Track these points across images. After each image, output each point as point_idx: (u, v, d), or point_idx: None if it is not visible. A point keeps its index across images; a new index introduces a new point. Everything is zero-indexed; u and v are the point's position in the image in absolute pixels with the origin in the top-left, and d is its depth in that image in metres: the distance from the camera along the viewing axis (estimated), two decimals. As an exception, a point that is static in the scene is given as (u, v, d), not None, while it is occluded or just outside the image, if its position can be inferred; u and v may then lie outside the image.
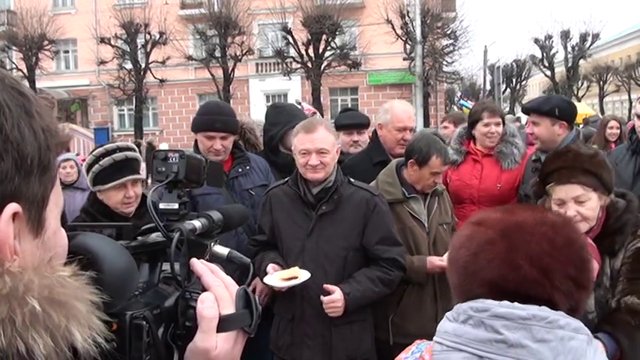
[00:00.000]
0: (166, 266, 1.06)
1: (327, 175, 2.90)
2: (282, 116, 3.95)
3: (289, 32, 25.30)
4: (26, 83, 21.53)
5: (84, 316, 0.65)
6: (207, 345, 0.85)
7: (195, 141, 3.47)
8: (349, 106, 27.94)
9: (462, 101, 25.53)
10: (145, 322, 0.89)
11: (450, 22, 26.85)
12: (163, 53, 26.99)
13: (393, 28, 25.30)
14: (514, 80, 38.11)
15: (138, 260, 0.97)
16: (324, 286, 2.80)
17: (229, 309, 0.88)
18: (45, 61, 27.92)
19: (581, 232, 1.39)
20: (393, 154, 3.79)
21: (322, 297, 2.79)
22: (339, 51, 25.78)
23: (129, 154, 2.85)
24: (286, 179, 3.06)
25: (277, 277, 2.79)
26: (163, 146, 19.07)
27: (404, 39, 25.93)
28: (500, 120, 4.00)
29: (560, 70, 32.78)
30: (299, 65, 25.63)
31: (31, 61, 27.16)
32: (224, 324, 0.86)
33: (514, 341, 1.15)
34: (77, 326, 0.64)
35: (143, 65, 27.39)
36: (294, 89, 28.95)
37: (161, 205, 1.17)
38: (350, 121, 4.47)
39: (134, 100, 28.04)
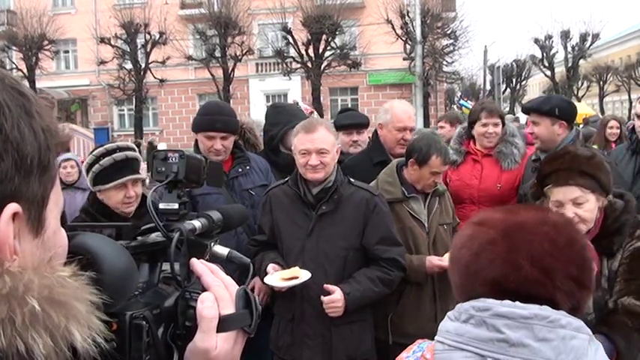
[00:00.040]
0: (166, 266, 1.06)
1: (327, 175, 2.90)
2: (282, 116, 3.95)
3: (289, 32, 25.30)
4: (26, 83, 21.52)
5: (83, 316, 0.65)
6: (207, 345, 0.85)
7: (196, 141, 3.47)
8: (349, 106, 27.95)
9: (461, 101, 25.51)
10: (144, 322, 0.89)
11: (450, 22, 26.85)
12: (163, 53, 27.00)
13: (393, 28, 25.30)
14: (514, 80, 38.12)
15: (138, 260, 0.97)
16: (324, 286, 2.80)
17: (229, 309, 0.88)
18: (45, 61, 27.92)
19: (582, 232, 1.40)
20: (393, 154, 3.79)
21: (322, 297, 2.79)
22: (339, 51, 25.78)
23: (129, 153, 2.85)
24: (286, 179, 3.06)
25: (278, 277, 2.79)
26: (161, 146, 19.06)
27: (404, 39, 25.93)
28: (498, 120, 3.99)
29: (560, 70, 32.79)
30: (299, 65, 25.64)
31: (31, 61, 27.16)
32: (224, 324, 0.86)
33: (516, 340, 1.15)
34: (77, 326, 0.64)
35: (143, 65, 27.40)
36: (294, 89, 28.95)
37: (161, 205, 1.16)
38: (349, 121, 4.47)
39: (134, 100, 28.05)
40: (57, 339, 0.62)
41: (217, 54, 26.58)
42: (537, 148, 3.70)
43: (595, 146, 5.95)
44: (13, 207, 0.62)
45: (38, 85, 26.86)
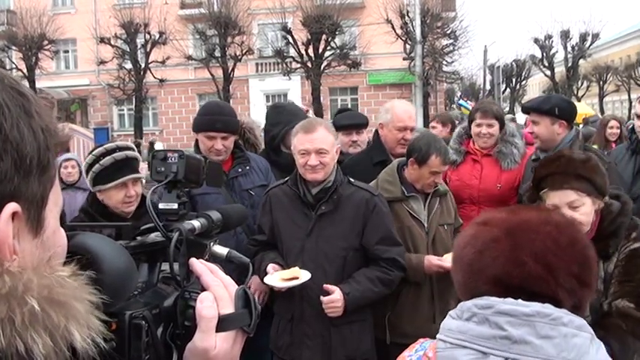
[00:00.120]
0: (165, 266, 1.06)
1: (327, 176, 2.90)
2: (283, 116, 3.95)
3: (289, 32, 25.29)
4: (26, 83, 21.53)
5: (83, 316, 0.65)
6: (207, 345, 0.85)
7: (196, 141, 3.47)
8: (349, 105, 27.95)
9: (460, 101, 25.51)
10: (144, 322, 0.89)
11: (449, 21, 26.84)
12: (163, 53, 26.99)
13: (393, 27, 25.30)
14: (514, 80, 38.10)
15: (137, 260, 0.97)
16: (324, 286, 2.80)
17: (228, 309, 0.88)
18: (45, 60, 27.91)
19: (584, 232, 1.40)
20: (393, 153, 3.79)
21: (322, 297, 2.79)
22: (338, 51, 25.77)
23: (129, 153, 2.85)
24: (286, 179, 3.06)
25: (278, 278, 2.79)
26: (158, 146, 19.05)
27: (404, 39, 25.93)
28: (492, 122, 3.97)
29: (560, 69, 32.79)
30: (299, 65, 25.63)
31: (31, 61, 27.15)
32: (223, 324, 0.87)
33: (518, 337, 1.16)
34: (76, 326, 0.64)
35: (143, 65, 27.39)
36: (294, 89, 28.95)
37: (160, 205, 1.17)
38: (349, 122, 4.47)
39: (134, 100, 28.04)
40: (56, 339, 0.62)
41: (217, 54, 26.58)
42: (537, 147, 3.70)
43: (595, 146, 5.94)
44: (12, 207, 0.62)
45: (38, 85, 26.86)
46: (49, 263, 0.67)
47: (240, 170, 3.42)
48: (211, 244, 1.11)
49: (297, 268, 2.81)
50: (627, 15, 51.71)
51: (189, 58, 27.48)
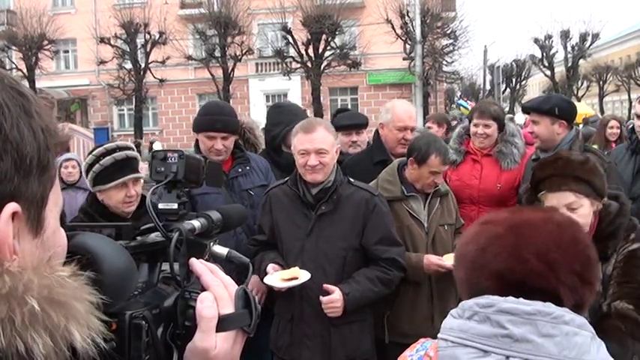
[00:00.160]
0: (166, 266, 1.06)
1: (327, 176, 2.90)
2: (284, 116, 3.94)
3: (289, 32, 25.30)
4: (26, 83, 21.53)
5: (83, 316, 0.65)
6: (207, 345, 0.85)
7: (196, 141, 3.47)
8: (349, 105, 27.96)
9: (460, 101, 25.52)
10: (144, 322, 0.89)
11: (449, 21, 26.85)
12: (163, 53, 27.00)
13: (393, 27, 25.30)
14: (514, 80, 38.13)
15: (137, 260, 0.97)
16: (324, 286, 2.80)
17: (228, 309, 0.88)
18: (45, 60, 27.92)
19: (585, 232, 1.41)
20: (394, 153, 3.79)
21: (321, 297, 2.79)
22: (338, 51, 25.78)
23: (129, 153, 2.85)
24: (286, 179, 3.06)
25: (278, 278, 2.79)
26: (156, 146, 19.05)
27: (404, 39, 25.93)
28: (489, 122, 3.97)
29: (559, 69, 32.80)
30: (299, 65, 25.63)
31: (31, 61, 27.16)
32: (223, 324, 0.87)
33: (519, 336, 1.16)
34: (76, 326, 0.64)
35: (143, 65, 27.41)
36: (294, 89, 28.95)
37: (160, 205, 1.17)
38: (349, 122, 4.47)
39: (134, 100, 28.06)
40: (56, 339, 0.62)
41: (217, 54, 26.58)
42: (537, 147, 3.70)
43: (595, 146, 5.94)
44: (12, 207, 0.62)
45: (38, 84, 26.87)
46: (49, 263, 0.67)
47: (240, 170, 3.42)
48: (211, 244, 1.11)
49: (296, 268, 2.81)
50: (627, 15, 51.77)
51: (189, 58, 27.49)
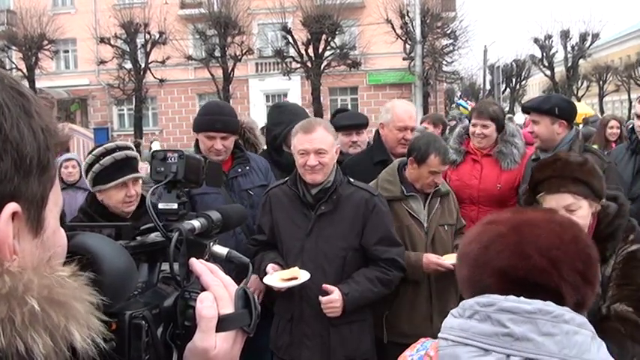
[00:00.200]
0: (165, 266, 1.06)
1: (326, 177, 2.90)
2: (285, 115, 3.94)
3: (289, 32, 25.29)
4: (26, 83, 21.51)
5: (83, 316, 0.65)
6: (207, 344, 0.85)
7: (196, 141, 3.48)
8: (349, 105, 27.96)
9: (459, 101, 25.50)
10: (144, 322, 0.89)
11: (449, 21, 26.84)
12: (163, 53, 26.99)
13: (393, 27, 25.29)
14: (514, 80, 38.12)
15: (137, 260, 0.97)
16: (323, 286, 2.80)
17: (228, 309, 0.88)
18: (44, 60, 27.90)
19: (586, 232, 1.42)
20: (394, 153, 3.79)
21: (320, 297, 2.79)
22: (338, 51, 25.77)
23: (129, 152, 2.86)
24: (286, 179, 3.06)
25: (277, 278, 2.79)
26: (155, 146, 19.05)
27: (404, 39, 25.92)
28: (487, 122, 3.97)
29: (559, 69, 32.79)
30: (299, 65, 25.62)
31: (31, 61, 27.14)
32: (223, 324, 0.87)
33: (520, 335, 1.17)
34: (76, 326, 0.64)
35: (143, 65, 27.38)
36: (294, 89, 28.94)
37: (160, 205, 1.17)
38: (349, 122, 4.47)
39: (134, 99, 28.04)
40: (56, 339, 0.62)
41: (217, 54, 26.57)
42: (537, 147, 3.70)
43: (595, 146, 5.95)
44: (12, 207, 0.62)
45: (38, 84, 26.86)
46: (49, 263, 0.67)
47: (239, 170, 3.42)
48: (211, 244, 1.11)
49: (296, 268, 2.81)
50: (627, 15, 51.77)
51: (189, 58, 27.48)
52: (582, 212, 2.22)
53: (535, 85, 47.59)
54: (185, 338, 0.89)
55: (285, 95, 28.39)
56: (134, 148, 2.99)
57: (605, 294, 2.28)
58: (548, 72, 31.62)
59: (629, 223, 2.37)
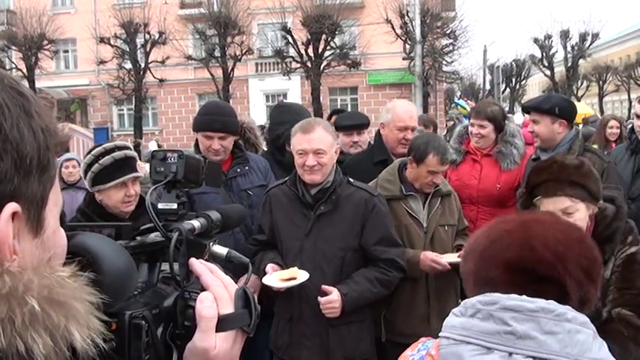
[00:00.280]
0: (165, 266, 1.06)
1: (325, 177, 2.89)
2: (287, 115, 3.94)
3: (289, 32, 25.28)
4: (26, 83, 21.50)
5: (83, 316, 0.65)
6: (206, 344, 0.85)
7: (196, 140, 3.48)
8: (349, 105, 27.97)
9: (458, 101, 25.46)
10: (144, 322, 0.89)
11: (449, 21, 26.83)
12: (163, 53, 26.97)
13: (393, 27, 25.28)
14: (514, 80, 38.13)
15: (137, 260, 0.97)
16: (322, 286, 2.80)
17: (228, 308, 0.88)
18: (44, 60, 27.89)
19: (589, 236, 1.45)
20: (394, 153, 3.80)
21: (319, 298, 2.79)
22: (338, 51, 25.75)
23: (128, 152, 2.86)
24: (285, 179, 3.06)
25: (276, 278, 2.79)
26: (152, 145, 19.05)
27: (403, 39, 25.92)
28: (484, 123, 3.97)
29: (559, 69, 32.79)
30: (298, 65, 25.61)
31: (31, 61, 27.12)
32: (223, 323, 0.87)
33: (522, 333, 1.17)
34: (76, 326, 0.64)
35: (143, 65, 27.36)
36: (294, 89, 28.93)
37: (160, 205, 1.17)
38: (350, 122, 4.48)
39: (134, 99, 28.02)
40: (57, 339, 0.62)
41: (217, 54, 26.55)
42: (537, 147, 3.70)
43: (595, 146, 5.95)
44: (12, 207, 0.62)
45: (38, 84, 26.84)
46: (49, 263, 0.67)
47: (239, 170, 3.42)
48: (211, 244, 1.11)
49: (295, 268, 2.81)
50: (627, 15, 51.78)
51: (189, 58, 27.46)
52: (580, 215, 2.22)
53: (535, 85, 47.60)
54: (185, 338, 0.89)
55: (285, 95, 28.39)
56: (132, 148, 3.00)
57: (605, 297, 2.27)
58: (548, 72, 31.62)
59: (627, 224, 2.36)
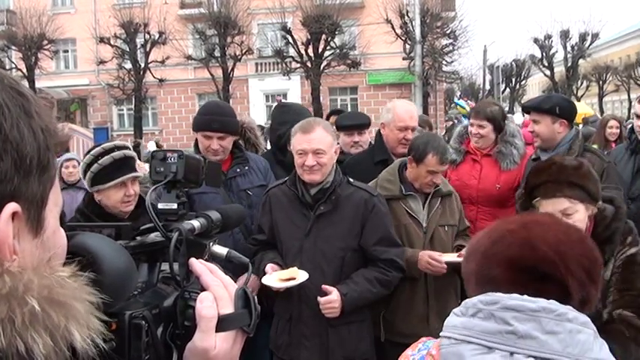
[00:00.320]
0: (165, 266, 1.06)
1: (325, 177, 2.89)
2: (289, 115, 3.94)
3: (289, 32, 25.27)
4: (25, 83, 21.50)
5: (83, 316, 0.65)
6: (206, 344, 0.85)
7: (196, 140, 3.48)
8: (349, 105, 27.97)
9: (458, 100, 25.46)
10: (144, 322, 0.89)
11: (449, 21, 26.83)
12: (163, 53, 26.97)
13: (393, 27, 25.28)
14: (513, 80, 38.12)
15: (137, 260, 0.97)
16: (322, 286, 2.80)
17: (228, 308, 0.88)
18: (44, 60, 27.88)
19: (590, 238, 1.46)
20: (395, 153, 3.80)
21: (319, 298, 2.78)
22: (338, 51, 25.75)
23: (127, 152, 2.86)
24: (285, 179, 3.06)
25: (276, 278, 2.78)
26: (150, 146, 19.05)
27: (403, 38, 25.92)
28: (483, 123, 3.97)
29: (559, 69, 32.79)
30: (298, 65, 25.60)
31: (31, 61, 27.12)
32: (223, 323, 0.87)
33: (524, 332, 1.17)
34: (76, 326, 0.64)
35: (142, 65, 27.35)
36: (294, 89, 28.93)
37: (160, 205, 1.17)
38: (351, 122, 4.48)
39: (133, 99, 28.01)
40: (57, 339, 0.62)
41: (217, 54, 26.55)
42: (538, 146, 3.70)
43: (595, 146, 5.95)
44: (12, 207, 0.62)
45: (37, 84, 26.83)
46: (49, 263, 0.67)
47: (238, 170, 3.42)
48: (211, 244, 1.11)
49: (295, 268, 2.81)
50: (627, 15, 51.78)
51: (189, 57, 27.46)
52: (579, 216, 2.22)
53: (535, 85, 47.61)
54: (185, 338, 0.89)
55: (285, 95, 28.38)
56: (131, 148, 3.00)
57: (606, 299, 2.27)
58: (547, 72, 31.62)
59: (627, 225, 2.36)
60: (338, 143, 3.13)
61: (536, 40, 31.22)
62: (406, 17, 25.38)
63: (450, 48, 26.90)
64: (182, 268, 1.00)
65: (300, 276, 2.76)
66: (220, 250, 1.12)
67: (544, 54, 31.38)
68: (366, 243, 2.90)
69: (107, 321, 0.73)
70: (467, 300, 1.29)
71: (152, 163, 1.23)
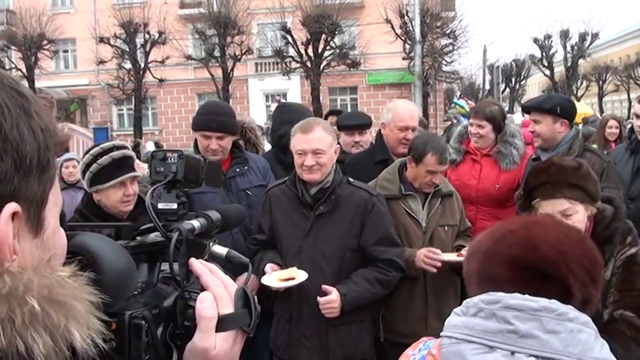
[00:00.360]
0: (165, 266, 1.06)
1: (324, 177, 2.89)
2: (290, 115, 3.94)
3: (288, 32, 25.27)
4: (25, 83, 21.50)
5: (83, 316, 0.65)
6: (206, 344, 0.85)
7: (195, 140, 3.48)
8: (348, 105, 27.96)
9: (457, 100, 25.44)
10: (144, 322, 0.89)
11: (449, 21, 26.83)
12: (162, 53, 26.96)
13: (393, 27, 25.28)
14: (513, 80, 38.12)
15: (137, 260, 0.97)
16: (322, 286, 2.80)
17: (228, 308, 0.88)
18: (44, 60, 27.87)
19: (590, 239, 1.47)
20: (395, 153, 3.80)
21: (318, 298, 2.78)
22: (338, 50, 25.74)
23: (126, 152, 2.86)
24: (285, 179, 3.06)
25: (275, 278, 2.78)
26: (149, 146, 19.05)
27: (403, 38, 25.91)
28: (483, 122, 3.97)
29: (559, 69, 32.80)
30: (298, 65, 25.60)
31: (30, 61, 27.11)
32: (223, 323, 0.87)
33: (525, 332, 1.17)
34: (76, 326, 0.64)
35: (142, 65, 27.34)
36: (294, 89, 28.93)
37: (160, 205, 1.17)
38: (352, 122, 4.49)
39: (133, 99, 28.00)
40: (57, 339, 0.62)
41: (216, 53, 26.54)
42: (538, 146, 3.70)
43: (595, 145, 5.95)
44: (12, 207, 0.62)
45: (37, 84, 26.82)
46: (49, 263, 0.67)
47: (238, 170, 3.42)
48: (211, 244, 1.11)
49: (294, 268, 2.81)
50: (627, 15, 51.78)
51: (189, 57, 27.45)
52: (578, 217, 2.22)
53: (534, 85, 47.61)
54: (185, 338, 0.89)
55: (285, 95, 28.38)
56: (130, 148, 3.00)
57: (606, 299, 2.27)
58: (547, 72, 31.64)
59: (626, 225, 2.36)
60: (338, 143, 3.13)
61: (536, 40, 31.23)
62: (406, 17, 25.38)
63: (450, 48, 26.90)
64: (182, 268, 1.00)
65: (300, 276, 2.75)
66: (220, 250, 1.12)
67: (544, 54, 31.39)
68: (366, 243, 2.90)
69: (107, 321, 0.73)
70: (468, 299, 1.29)
71: (152, 163, 1.23)
